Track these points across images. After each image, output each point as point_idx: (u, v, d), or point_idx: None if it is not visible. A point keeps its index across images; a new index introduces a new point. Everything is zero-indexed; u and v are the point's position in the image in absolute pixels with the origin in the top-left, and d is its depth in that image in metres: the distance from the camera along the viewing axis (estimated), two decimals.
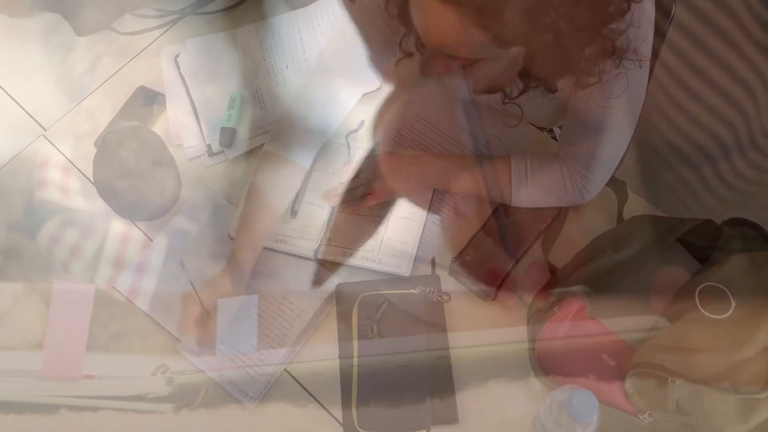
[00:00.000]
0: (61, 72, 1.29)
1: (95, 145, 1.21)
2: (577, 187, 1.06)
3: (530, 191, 1.07)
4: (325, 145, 1.15)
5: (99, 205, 1.14)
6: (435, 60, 0.89)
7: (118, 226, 1.15)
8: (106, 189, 1.12)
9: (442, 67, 0.89)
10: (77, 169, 1.20)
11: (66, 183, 1.19)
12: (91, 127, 1.23)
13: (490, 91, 1.11)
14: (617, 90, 0.94)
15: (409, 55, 1.00)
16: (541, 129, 1.23)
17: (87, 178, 1.19)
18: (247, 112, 1.23)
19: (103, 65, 1.29)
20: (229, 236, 1.13)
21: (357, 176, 1.12)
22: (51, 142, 1.22)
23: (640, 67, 0.92)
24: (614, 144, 1.02)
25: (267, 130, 1.21)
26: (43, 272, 1.12)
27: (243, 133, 1.21)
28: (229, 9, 1.35)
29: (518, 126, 1.20)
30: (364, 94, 1.24)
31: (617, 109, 0.97)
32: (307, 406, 1.03)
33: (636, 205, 1.13)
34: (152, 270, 1.11)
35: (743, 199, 1.09)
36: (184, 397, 1.03)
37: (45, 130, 1.24)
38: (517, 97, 1.02)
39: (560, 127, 1.27)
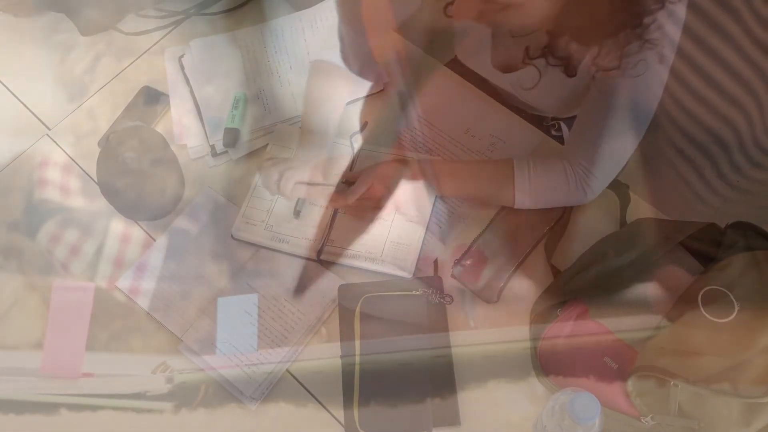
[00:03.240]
0: (65, 72, 1.30)
1: (99, 144, 1.21)
2: (580, 184, 1.06)
3: (533, 192, 1.07)
4: (327, 146, 1.15)
5: (100, 204, 1.14)
6: (468, 2, 0.88)
7: (118, 226, 1.15)
8: (109, 188, 1.12)
9: (474, 12, 0.89)
10: (81, 168, 1.20)
11: (67, 182, 1.19)
12: (94, 127, 1.24)
13: (507, 68, 1.11)
14: (636, 72, 0.93)
15: None
16: (547, 129, 1.23)
17: (90, 177, 1.19)
18: (250, 113, 1.23)
19: (107, 65, 1.30)
20: (232, 236, 1.13)
21: (362, 183, 1.11)
22: (55, 142, 1.23)
23: (660, 62, 0.92)
24: (622, 140, 1.02)
25: (270, 131, 1.21)
26: (43, 272, 1.12)
27: (246, 134, 1.21)
28: (233, 10, 1.35)
29: (520, 127, 1.21)
30: (368, 96, 1.24)
31: (630, 104, 0.97)
32: (309, 407, 1.03)
33: (639, 208, 1.13)
34: (154, 270, 1.11)
35: (747, 198, 1.09)
36: (184, 396, 1.03)
37: (49, 129, 1.24)
38: (537, 58, 1.02)
39: (566, 124, 1.27)
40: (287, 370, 1.05)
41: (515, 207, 1.09)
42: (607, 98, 0.98)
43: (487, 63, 1.15)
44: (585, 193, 1.06)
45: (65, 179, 1.19)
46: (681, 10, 0.92)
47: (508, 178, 1.07)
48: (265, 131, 1.22)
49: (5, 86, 1.29)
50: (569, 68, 0.97)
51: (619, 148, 1.02)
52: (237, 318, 1.07)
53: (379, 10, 1.09)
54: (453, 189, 1.12)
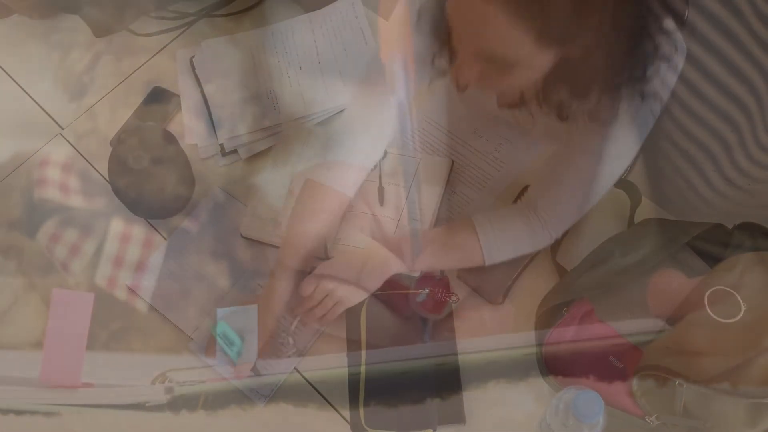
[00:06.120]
0: (78, 72, 1.31)
1: (111, 144, 1.23)
2: (546, 230, 1.03)
3: (500, 248, 1.04)
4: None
5: (112, 204, 1.16)
6: (469, 65, 0.86)
7: (118, 225, 1.16)
8: (121, 188, 1.13)
9: (476, 74, 0.87)
10: (93, 168, 1.22)
11: (78, 182, 1.20)
12: (107, 127, 1.25)
13: (513, 106, 1.10)
14: (631, 138, 0.93)
15: (443, 74, 1.00)
16: None
17: (103, 176, 1.20)
18: (260, 112, 1.24)
19: (120, 66, 1.31)
20: (241, 235, 1.14)
21: (316, 292, 1.05)
22: (68, 141, 1.24)
23: (653, 114, 0.92)
24: (593, 191, 1.00)
25: (279, 131, 1.22)
26: (43, 271, 1.14)
27: (256, 133, 1.22)
28: (243, 12, 1.36)
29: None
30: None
31: (607, 157, 0.96)
32: (316, 405, 1.04)
33: (647, 209, 1.13)
34: (164, 268, 1.13)
35: (750, 198, 1.09)
36: (183, 405, 1.04)
37: (62, 129, 1.26)
38: (530, 102, 1.00)
39: None
40: (295, 369, 1.06)
41: (486, 264, 1.05)
42: (584, 150, 0.96)
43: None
44: (551, 237, 1.04)
45: (76, 179, 1.21)
46: (679, 59, 0.91)
47: (473, 240, 1.04)
48: (274, 131, 1.23)
49: (20, 86, 1.31)
50: (561, 113, 0.94)
51: (589, 197, 1.00)
52: (238, 326, 1.06)
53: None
54: (418, 263, 1.07)
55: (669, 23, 0.87)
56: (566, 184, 1.00)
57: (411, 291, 1.06)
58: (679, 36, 0.89)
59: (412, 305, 1.05)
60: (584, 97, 0.90)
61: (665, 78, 0.91)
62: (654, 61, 0.87)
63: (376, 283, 1.04)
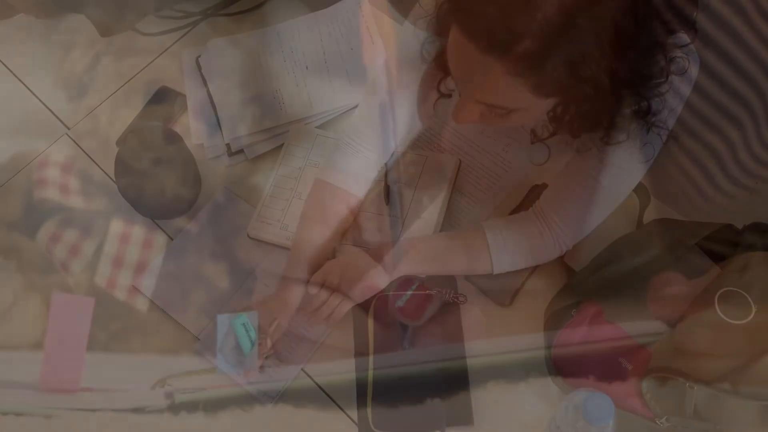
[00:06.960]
0: (83, 72, 1.31)
1: (117, 144, 1.22)
2: (556, 242, 1.03)
3: (511, 256, 1.03)
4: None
5: (109, 204, 1.16)
6: (470, 108, 0.88)
7: (118, 225, 1.16)
8: (127, 188, 1.13)
9: (477, 116, 0.88)
10: (99, 168, 1.22)
11: (75, 182, 1.20)
12: (113, 127, 1.25)
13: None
14: (641, 156, 0.93)
15: (448, 95, 1.01)
16: None
17: (109, 176, 1.20)
18: (267, 112, 1.24)
19: (125, 65, 1.31)
20: (248, 236, 1.14)
21: (321, 290, 1.04)
22: (75, 141, 1.24)
23: (661, 139, 0.92)
24: (605, 208, 1.00)
25: (286, 130, 1.22)
26: (43, 271, 1.13)
27: (262, 133, 1.22)
28: (250, 11, 1.36)
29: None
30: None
31: (624, 177, 0.97)
32: (323, 406, 1.03)
33: (655, 209, 1.12)
34: (170, 269, 1.12)
35: (754, 197, 1.08)
36: (183, 407, 1.03)
37: (68, 129, 1.26)
38: (546, 138, 1.01)
39: None
40: (302, 370, 1.06)
41: (494, 273, 1.04)
42: (598, 162, 0.96)
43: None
44: (561, 249, 1.04)
45: (77, 179, 1.21)
46: (685, 88, 0.91)
47: (482, 246, 1.03)
48: (281, 131, 1.22)
49: (26, 86, 1.31)
50: (573, 134, 0.94)
51: (602, 210, 1.00)
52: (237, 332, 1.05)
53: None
54: (423, 268, 1.06)
55: (681, 37, 0.87)
56: (579, 198, 0.99)
57: (420, 292, 1.06)
58: (691, 49, 0.88)
59: (390, 310, 1.03)
60: (593, 129, 0.91)
61: (673, 106, 0.91)
62: (663, 88, 0.87)
63: (364, 294, 1.04)
